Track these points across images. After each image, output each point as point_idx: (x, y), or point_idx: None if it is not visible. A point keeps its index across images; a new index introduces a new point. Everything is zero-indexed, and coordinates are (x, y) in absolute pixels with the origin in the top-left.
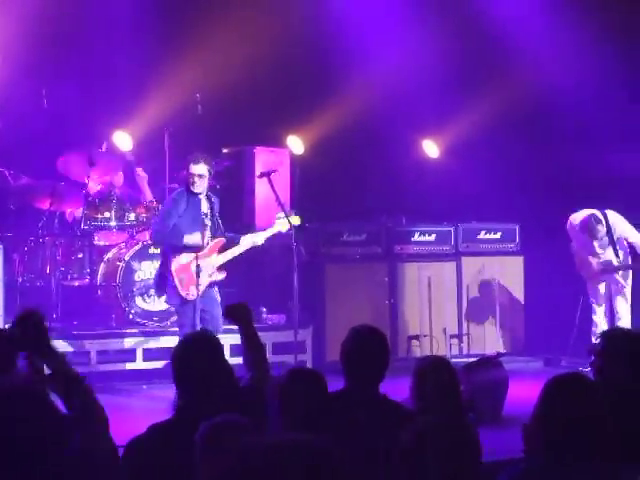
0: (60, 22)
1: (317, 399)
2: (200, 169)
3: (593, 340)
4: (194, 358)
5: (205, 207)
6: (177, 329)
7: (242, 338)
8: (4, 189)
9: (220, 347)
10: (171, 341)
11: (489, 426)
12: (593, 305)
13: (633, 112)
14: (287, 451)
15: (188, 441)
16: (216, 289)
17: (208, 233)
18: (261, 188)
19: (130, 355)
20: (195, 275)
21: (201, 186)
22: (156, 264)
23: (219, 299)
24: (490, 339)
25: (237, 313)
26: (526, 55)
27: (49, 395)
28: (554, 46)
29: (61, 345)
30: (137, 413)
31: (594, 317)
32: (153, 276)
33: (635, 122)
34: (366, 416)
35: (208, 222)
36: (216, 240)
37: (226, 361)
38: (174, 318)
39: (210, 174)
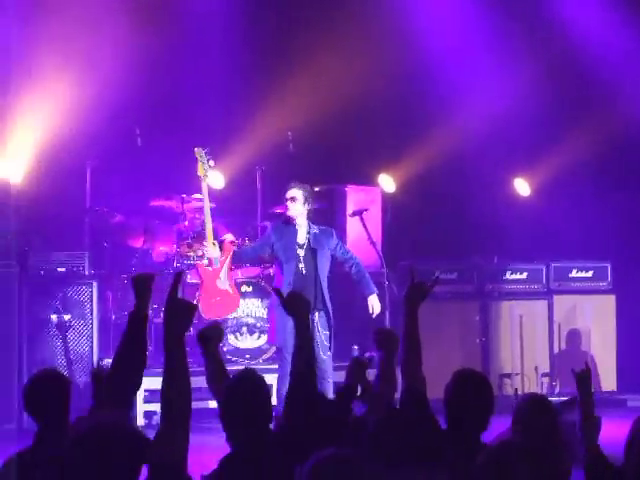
0: (155, 61)
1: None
2: (292, 192)
3: None
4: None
5: (302, 237)
6: (268, 366)
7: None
8: (99, 227)
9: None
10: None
11: (581, 466)
12: None
13: None
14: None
15: None
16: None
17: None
18: (353, 227)
19: None
20: None
21: (294, 210)
22: (248, 302)
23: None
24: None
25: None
26: (622, 94)
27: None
28: None
29: (153, 382)
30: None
31: None
32: (245, 314)
33: None
34: (465, 461)
35: (302, 252)
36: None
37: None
38: (266, 355)
39: (305, 199)
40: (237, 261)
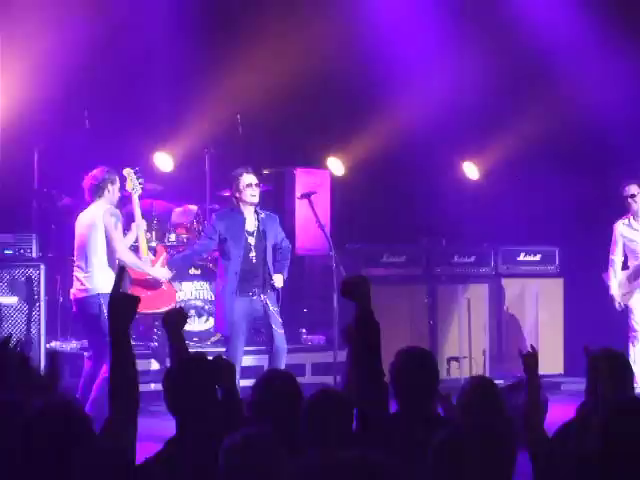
0: (100, 44)
1: (347, 418)
2: (256, 179)
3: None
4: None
5: (251, 225)
6: (216, 349)
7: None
8: (47, 209)
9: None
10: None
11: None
12: None
13: None
14: (344, 468)
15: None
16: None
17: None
18: (301, 210)
19: None
20: None
21: (258, 196)
22: (197, 285)
23: None
24: None
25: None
26: (569, 80)
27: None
28: (596, 70)
29: None
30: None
31: None
32: (193, 297)
33: None
34: (425, 435)
35: (252, 241)
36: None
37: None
38: (214, 338)
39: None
40: (179, 268)
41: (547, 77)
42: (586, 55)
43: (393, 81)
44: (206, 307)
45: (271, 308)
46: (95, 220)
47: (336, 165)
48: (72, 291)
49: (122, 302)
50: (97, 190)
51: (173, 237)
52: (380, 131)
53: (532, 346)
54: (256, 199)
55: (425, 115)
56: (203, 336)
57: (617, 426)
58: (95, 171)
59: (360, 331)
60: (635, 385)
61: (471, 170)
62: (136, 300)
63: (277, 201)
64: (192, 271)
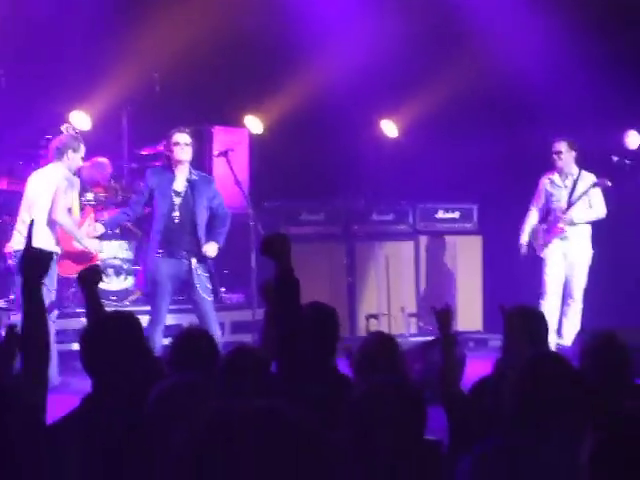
0: (15, 1)
1: (263, 375)
2: (188, 138)
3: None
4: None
5: (180, 185)
6: (135, 308)
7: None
8: None
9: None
10: None
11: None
12: None
13: (590, 93)
14: (263, 416)
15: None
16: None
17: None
18: (219, 167)
19: None
20: None
21: (189, 155)
22: (114, 244)
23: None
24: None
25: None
26: (486, 35)
27: None
28: (513, 26)
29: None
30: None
31: None
32: (111, 256)
33: (591, 103)
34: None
35: (178, 200)
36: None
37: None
38: (133, 297)
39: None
40: (115, 227)
41: (465, 33)
42: (505, 10)
43: (311, 38)
44: (125, 266)
45: (199, 272)
46: (49, 179)
47: (254, 123)
48: (10, 244)
49: (35, 256)
50: (57, 153)
51: (90, 196)
52: (299, 89)
53: (446, 303)
54: (184, 157)
55: (343, 73)
56: (121, 295)
57: (530, 382)
58: (63, 135)
59: (280, 289)
60: (559, 339)
61: (390, 127)
62: (49, 255)
63: (195, 159)
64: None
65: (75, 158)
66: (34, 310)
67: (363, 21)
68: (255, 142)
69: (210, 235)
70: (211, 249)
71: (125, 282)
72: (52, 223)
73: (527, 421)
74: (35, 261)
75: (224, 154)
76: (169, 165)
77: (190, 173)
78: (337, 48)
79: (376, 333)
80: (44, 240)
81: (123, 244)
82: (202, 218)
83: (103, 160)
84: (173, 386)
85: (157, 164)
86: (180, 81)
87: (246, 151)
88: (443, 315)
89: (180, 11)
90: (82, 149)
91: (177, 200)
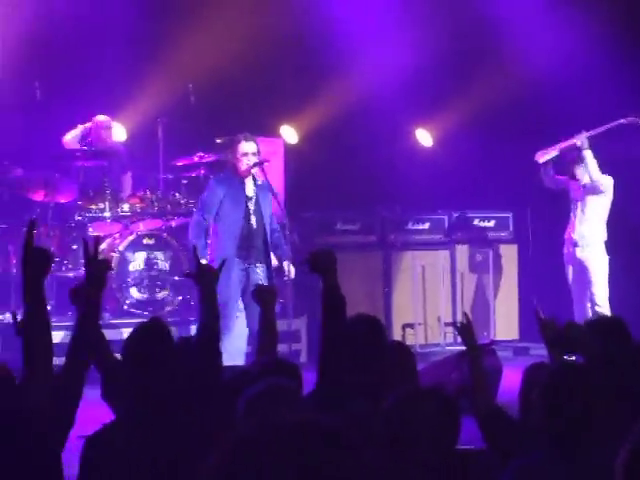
0: (52, 15)
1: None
2: (256, 146)
3: None
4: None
5: (250, 190)
6: (170, 319)
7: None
8: None
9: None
10: None
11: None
12: None
13: (622, 99)
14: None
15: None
16: None
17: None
18: None
19: None
20: None
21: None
22: (150, 255)
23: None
24: (484, 327)
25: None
26: (521, 44)
27: None
28: (543, 36)
29: (57, 336)
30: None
31: None
32: (146, 266)
33: (623, 109)
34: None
35: (252, 206)
36: None
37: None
38: (169, 308)
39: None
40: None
41: (498, 44)
42: (534, 21)
43: (347, 49)
44: (160, 277)
45: (262, 277)
46: None
47: (289, 133)
48: None
49: (35, 255)
50: None
51: (126, 207)
52: (333, 99)
53: (465, 315)
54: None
55: (379, 83)
56: (157, 307)
57: (556, 394)
58: None
59: (326, 305)
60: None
61: (424, 137)
62: (50, 254)
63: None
64: (145, 240)
65: None
66: (36, 310)
67: (399, 33)
68: (290, 152)
69: (280, 250)
70: (293, 271)
71: (160, 294)
72: None
73: (557, 434)
74: (36, 260)
75: (260, 164)
76: (235, 172)
77: (254, 178)
78: (372, 59)
79: (394, 342)
80: None
81: (159, 255)
82: (268, 222)
83: (102, 118)
84: (265, 390)
85: (199, 174)
86: (214, 92)
87: (281, 161)
88: (463, 328)
89: (215, 22)
90: None
91: (251, 206)
